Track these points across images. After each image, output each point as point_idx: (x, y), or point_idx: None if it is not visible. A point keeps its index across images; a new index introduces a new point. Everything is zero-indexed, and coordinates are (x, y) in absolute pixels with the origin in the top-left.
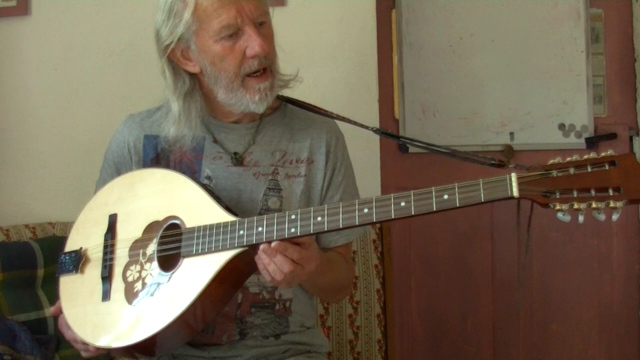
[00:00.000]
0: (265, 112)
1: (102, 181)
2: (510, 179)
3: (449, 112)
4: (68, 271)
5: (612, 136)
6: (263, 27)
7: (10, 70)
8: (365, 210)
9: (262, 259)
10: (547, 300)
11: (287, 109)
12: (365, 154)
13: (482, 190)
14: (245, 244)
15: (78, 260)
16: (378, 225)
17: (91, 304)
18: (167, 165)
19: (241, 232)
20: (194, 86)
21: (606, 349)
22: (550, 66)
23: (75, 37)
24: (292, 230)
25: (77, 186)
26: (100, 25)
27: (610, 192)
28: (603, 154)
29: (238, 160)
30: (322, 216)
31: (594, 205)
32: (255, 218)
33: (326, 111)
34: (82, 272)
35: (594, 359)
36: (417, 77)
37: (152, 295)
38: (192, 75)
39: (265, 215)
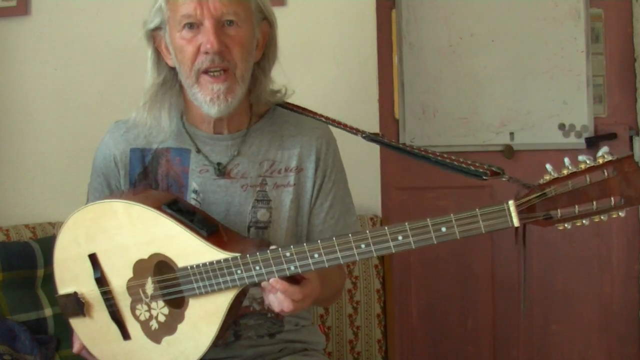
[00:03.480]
0: (252, 119)
1: (93, 188)
2: (509, 209)
3: (449, 112)
4: (75, 315)
5: (612, 136)
6: (231, 27)
7: (10, 70)
8: (363, 247)
9: (263, 291)
10: (547, 300)
11: (277, 113)
12: (365, 154)
13: (481, 222)
14: (247, 284)
15: (81, 305)
16: (378, 225)
17: (114, 342)
18: (155, 180)
19: (239, 272)
20: (173, 81)
21: (606, 349)
22: (550, 66)
23: (75, 37)
24: (293, 269)
25: (77, 186)
26: (100, 25)
27: (612, 203)
28: (600, 160)
29: (221, 171)
30: (320, 254)
31: (596, 219)
32: (249, 257)
33: (315, 114)
34: (89, 315)
35: (594, 359)
36: (417, 77)
37: (172, 334)
38: (174, 70)
39: (257, 254)
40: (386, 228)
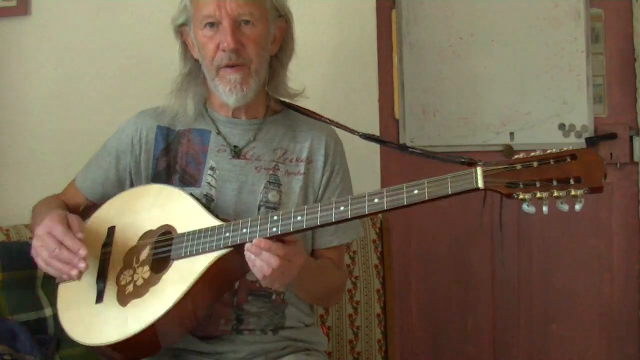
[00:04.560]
0: (268, 113)
1: (97, 166)
2: (476, 172)
3: (449, 112)
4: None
5: (612, 136)
6: (247, 26)
7: (10, 70)
8: (342, 208)
9: (249, 257)
10: (547, 300)
11: (290, 112)
12: (365, 154)
13: (449, 183)
14: (230, 244)
15: None
16: (378, 225)
17: (85, 306)
18: (174, 157)
19: (227, 234)
20: (198, 72)
21: (606, 349)
22: (550, 66)
23: (75, 37)
24: (274, 229)
25: None
26: (100, 25)
27: (572, 182)
28: (565, 148)
29: (237, 153)
30: (302, 215)
31: (555, 194)
32: (240, 221)
33: (320, 116)
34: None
35: (594, 359)
36: (417, 77)
37: (141, 296)
38: (198, 62)
39: (249, 218)
40: (366, 193)
